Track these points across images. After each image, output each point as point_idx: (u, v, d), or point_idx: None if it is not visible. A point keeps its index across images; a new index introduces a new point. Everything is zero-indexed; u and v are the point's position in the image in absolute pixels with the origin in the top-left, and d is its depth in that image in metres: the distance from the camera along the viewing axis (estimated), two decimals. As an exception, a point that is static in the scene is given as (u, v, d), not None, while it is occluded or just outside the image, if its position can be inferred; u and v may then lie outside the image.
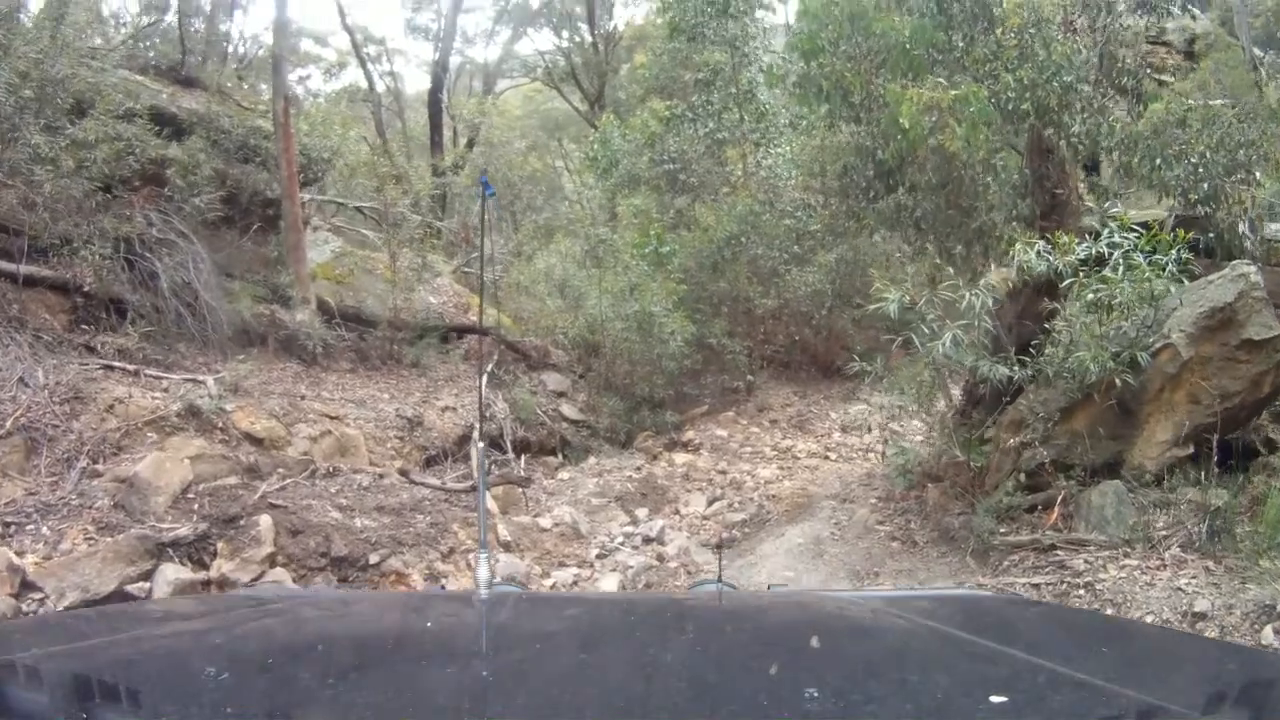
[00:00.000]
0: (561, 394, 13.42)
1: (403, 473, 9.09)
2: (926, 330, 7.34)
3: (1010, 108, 7.79)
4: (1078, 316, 7.15)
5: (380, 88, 27.01)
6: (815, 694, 1.24)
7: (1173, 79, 12.52)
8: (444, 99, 23.38)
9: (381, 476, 8.76)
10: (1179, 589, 5.80)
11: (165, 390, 8.51)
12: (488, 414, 11.15)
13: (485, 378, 11.45)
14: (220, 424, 8.25)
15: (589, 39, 27.89)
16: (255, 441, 8.36)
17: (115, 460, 7.42)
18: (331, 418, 9.55)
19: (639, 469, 11.42)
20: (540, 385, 13.24)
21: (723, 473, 11.18)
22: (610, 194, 17.61)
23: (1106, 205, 8.47)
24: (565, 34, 28.91)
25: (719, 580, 3.28)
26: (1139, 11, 8.79)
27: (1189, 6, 14.17)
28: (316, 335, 10.65)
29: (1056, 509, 7.03)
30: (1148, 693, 1.17)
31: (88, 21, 11.18)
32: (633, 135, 16.93)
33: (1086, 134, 7.90)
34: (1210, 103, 8.65)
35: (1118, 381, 6.69)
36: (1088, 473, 7.08)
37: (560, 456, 12.30)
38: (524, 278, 14.98)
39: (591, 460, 12.06)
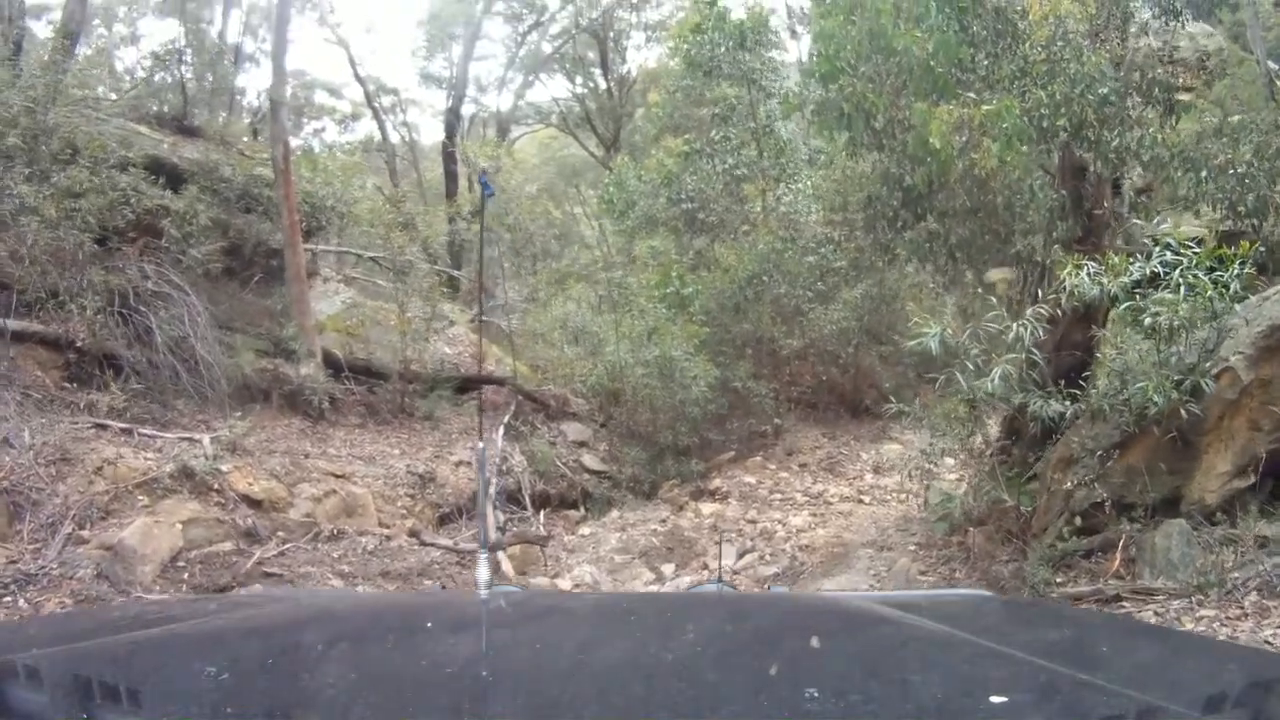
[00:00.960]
0: (582, 444, 13.01)
1: (413, 533, 8.63)
2: (970, 366, 6.78)
3: (1044, 125, 7.34)
4: (1132, 343, 6.61)
5: (395, 138, 27.12)
6: (815, 694, 1.26)
7: (1188, 96, 12.15)
8: (457, 147, 23.26)
9: (389, 538, 8.31)
10: (1267, 642, 5.20)
11: (159, 450, 8.12)
12: (503, 469, 10.70)
13: (502, 428, 11.05)
14: (216, 485, 7.83)
15: (603, 84, 27.89)
16: (254, 503, 7.93)
17: (103, 525, 7.00)
18: (337, 476, 9.13)
19: (664, 521, 10.91)
20: (560, 436, 12.86)
21: (752, 522, 10.63)
22: (628, 237, 17.33)
23: (1156, 221, 7.98)
24: (579, 79, 28.98)
25: (719, 580, 3.37)
26: (1163, 19, 8.34)
27: (1210, 15, 13.81)
28: (322, 389, 10.28)
29: (1118, 554, 6.42)
30: (1148, 693, 1.17)
31: (82, 68, 10.98)
32: (649, 176, 16.64)
33: (1124, 149, 7.45)
34: (1230, 118, 8.20)
35: (1182, 412, 6.11)
36: (1147, 512, 6.49)
37: (582, 509, 11.86)
38: (540, 324, 14.63)
39: (614, 513, 11.57)
